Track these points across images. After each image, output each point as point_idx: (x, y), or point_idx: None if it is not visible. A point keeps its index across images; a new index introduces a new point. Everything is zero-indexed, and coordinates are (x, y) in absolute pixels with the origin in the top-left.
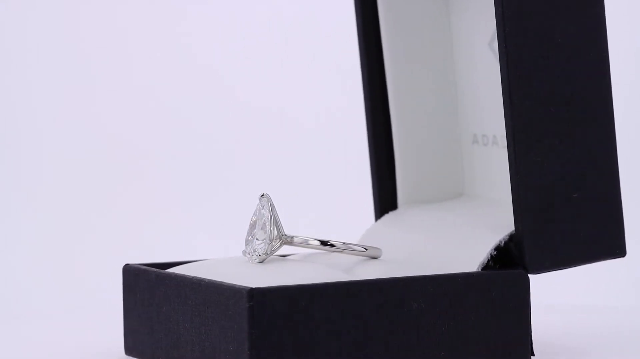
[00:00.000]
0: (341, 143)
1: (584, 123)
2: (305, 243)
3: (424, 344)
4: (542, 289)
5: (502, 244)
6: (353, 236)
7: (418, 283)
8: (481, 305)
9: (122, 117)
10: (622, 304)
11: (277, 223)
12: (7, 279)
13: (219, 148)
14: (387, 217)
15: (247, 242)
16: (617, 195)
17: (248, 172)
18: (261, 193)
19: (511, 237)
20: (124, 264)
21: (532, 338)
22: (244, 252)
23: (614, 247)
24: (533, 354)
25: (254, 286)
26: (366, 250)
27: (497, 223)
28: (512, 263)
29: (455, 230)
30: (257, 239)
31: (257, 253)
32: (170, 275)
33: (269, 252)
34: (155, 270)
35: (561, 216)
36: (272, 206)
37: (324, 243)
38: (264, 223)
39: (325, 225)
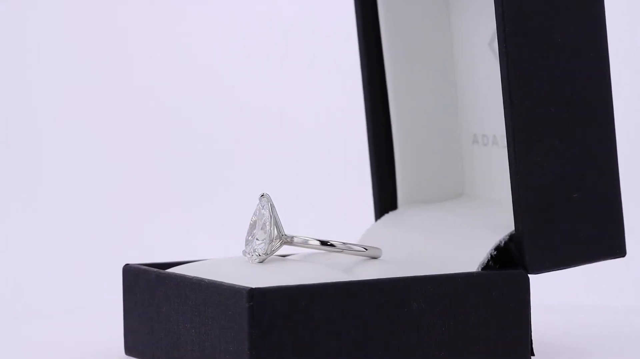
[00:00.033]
0: (341, 143)
1: (584, 123)
2: (305, 243)
3: (424, 344)
4: (542, 289)
5: (502, 244)
6: (353, 236)
7: (418, 283)
8: (481, 305)
9: (122, 117)
10: (622, 304)
11: (277, 223)
12: (7, 279)
13: (219, 148)
14: (387, 217)
15: (247, 242)
16: (617, 195)
17: (248, 172)
18: (261, 193)
19: (511, 237)
20: (124, 264)
21: (532, 338)
22: (244, 252)
23: (614, 247)
24: (533, 354)
25: (254, 286)
26: (366, 250)
27: (497, 223)
28: (512, 263)
29: (455, 230)
30: (257, 239)
31: (257, 253)
32: (170, 275)
33: (269, 252)
34: (155, 270)
35: (561, 216)
36: (272, 206)
37: (324, 243)
38: (264, 223)
39: (325, 225)
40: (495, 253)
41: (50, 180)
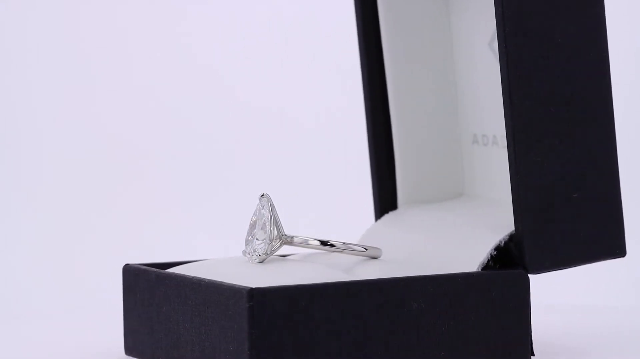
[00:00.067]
0: (341, 143)
1: (584, 123)
2: (305, 243)
3: (424, 344)
4: (542, 289)
5: (502, 244)
6: (353, 236)
7: (418, 283)
8: (481, 305)
9: (122, 117)
10: (622, 304)
11: (277, 223)
12: (7, 279)
13: (219, 148)
14: (387, 217)
15: (247, 242)
16: (617, 195)
17: (248, 172)
18: (261, 193)
19: (511, 237)
20: (124, 264)
21: (532, 338)
22: (244, 252)
23: (614, 247)
24: (533, 354)
25: (254, 286)
26: (366, 250)
27: (497, 223)
28: (512, 263)
29: (455, 230)
30: (257, 239)
31: (257, 253)
32: (170, 275)
33: (269, 252)
34: (155, 270)
35: (561, 216)
36: (272, 206)
37: (324, 243)
38: (264, 223)
39: (325, 225)
40: (495, 253)
41: (50, 180)
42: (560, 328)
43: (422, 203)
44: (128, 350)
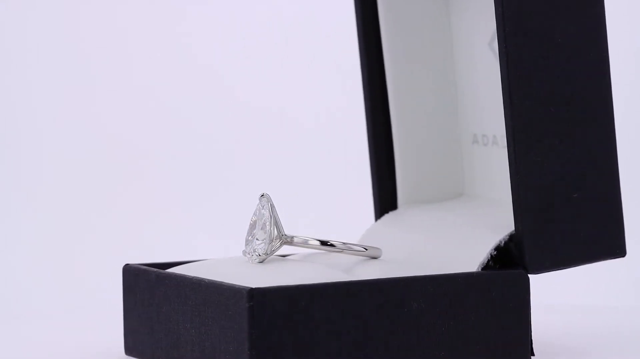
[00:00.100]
0: (341, 143)
1: (584, 123)
2: (305, 243)
3: (424, 344)
4: (542, 289)
5: (502, 244)
6: (353, 236)
7: (418, 283)
8: (481, 305)
9: (122, 117)
10: (622, 304)
11: (277, 223)
12: (7, 279)
13: (219, 148)
14: (387, 217)
15: (247, 242)
16: (617, 195)
17: (248, 172)
18: (261, 193)
19: (511, 237)
20: (124, 264)
21: (532, 338)
22: (244, 252)
23: (614, 247)
24: (533, 354)
25: (254, 286)
26: (366, 250)
27: (497, 223)
28: (512, 263)
29: (455, 230)
30: (257, 239)
31: (257, 253)
32: (170, 275)
33: (269, 252)
34: (155, 270)
35: (561, 216)
36: (272, 206)
37: (324, 243)
38: (264, 223)
39: (325, 225)
40: (495, 253)
41: (50, 180)
42: (560, 328)
43: (422, 203)
44: (128, 350)
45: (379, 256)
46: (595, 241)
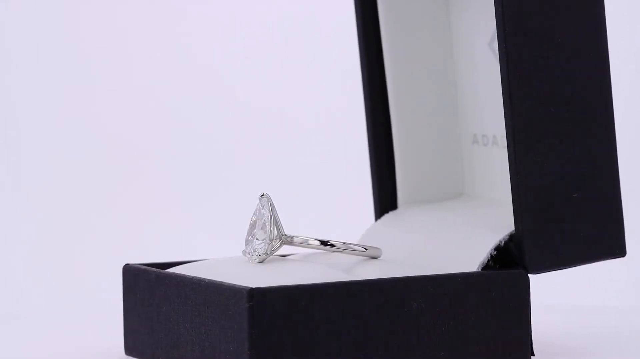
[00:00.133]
0: (341, 143)
1: (584, 123)
2: (305, 243)
3: (424, 344)
4: (542, 289)
5: (502, 244)
6: (353, 236)
7: (418, 283)
8: (481, 305)
9: (122, 117)
10: (622, 304)
11: (277, 223)
12: (7, 279)
13: (219, 148)
14: (387, 217)
15: (247, 242)
16: (617, 195)
17: (248, 172)
18: (261, 193)
19: (511, 237)
20: (124, 264)
21: (532, 338)
22: (244, 252)
23: (614, 247)
24: (533, 354)
25: (254, 286)
26: (366, 250)
27: (497, 223)
28: (512, 263)
29: (455, 230)
30: (257, 239)
31: (257, 253)
32: (170, 275)
33: (269, 252)
34: (155, 270)
35: (561, 216)
36: (272, 206)
37: (324, 243)
38: (264, 223)
39: (325, 225)
40: (495, 253)
41: (50, 180)
42: (560, 328)
43: (422, 203)
44: (128, 350)
45: (379, 256)
46: (595, 241)
